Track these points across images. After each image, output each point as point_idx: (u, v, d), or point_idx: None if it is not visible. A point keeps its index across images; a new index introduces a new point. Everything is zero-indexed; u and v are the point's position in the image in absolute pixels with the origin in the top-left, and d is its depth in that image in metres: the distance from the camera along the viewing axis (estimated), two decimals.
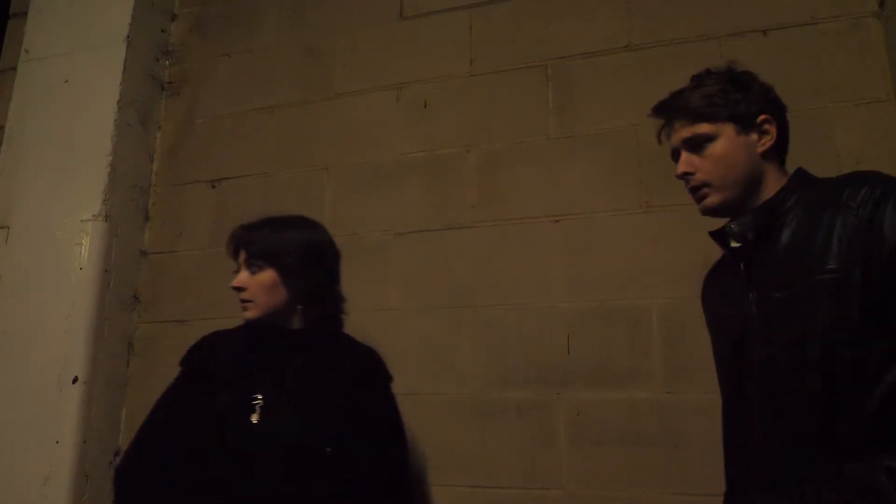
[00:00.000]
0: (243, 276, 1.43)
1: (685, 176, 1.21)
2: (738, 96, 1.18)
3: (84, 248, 2.06)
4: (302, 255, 1.48)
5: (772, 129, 1.18)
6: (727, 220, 1.24)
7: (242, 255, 1.45)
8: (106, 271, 2.08)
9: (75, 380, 1.96)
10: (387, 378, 1.55)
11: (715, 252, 1.33)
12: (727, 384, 1.27)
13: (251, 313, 1.43)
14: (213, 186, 2.23)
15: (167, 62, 2.43)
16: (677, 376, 1.64)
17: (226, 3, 2.42)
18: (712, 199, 1.19)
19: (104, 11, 2.29)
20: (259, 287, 1.42)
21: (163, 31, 2.43)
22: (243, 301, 1.43)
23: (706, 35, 1.81)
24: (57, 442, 1.91)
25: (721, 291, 1.29)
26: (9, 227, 2.16)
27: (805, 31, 1.73)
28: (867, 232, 1.01)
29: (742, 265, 1.19)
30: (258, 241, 1.45)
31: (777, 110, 1.21)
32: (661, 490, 1.59)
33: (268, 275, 1.43)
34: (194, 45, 2.42)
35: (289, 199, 2.11)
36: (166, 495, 1.35)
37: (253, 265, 1.43)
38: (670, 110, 1.23)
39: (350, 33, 2.21)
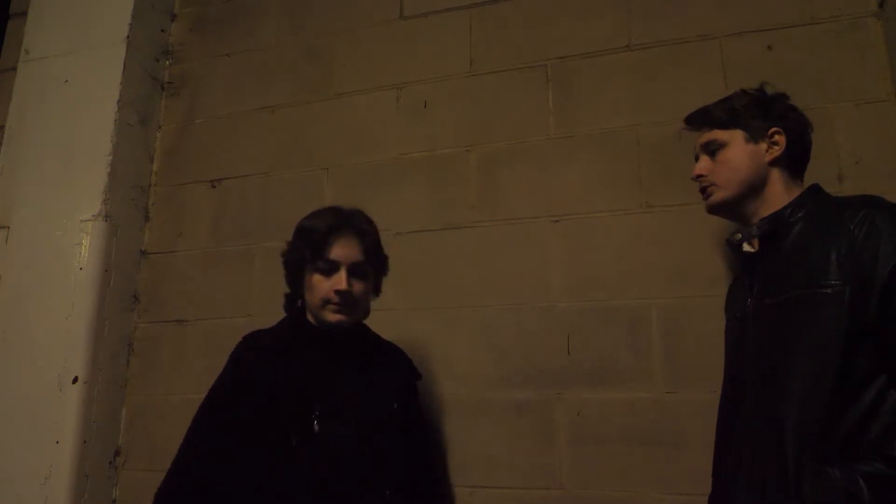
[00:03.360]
0: (351, 281, 1.39)
1: (698, 178, 1.32)
2: (757, 111, 1.28)
3: (84, 248, 2.06)
4: (384, 257, 1.53)
5: (781, 140, 1.26)
6: (735, 222, 1.33)
7: (359, 257, 1.41)
8: (106, 271, 2.08)
9: (75, 380, 1.96)
10: (418, 378, 1.63)
11: (713, 252, 1.34)
12: (725, 386, 1.33)
13: (352, 318, 1.41)
14: (213, 186, 2.23)
15: (167, 62, 2.43)
16: (677, 376, 1.64)
17: (226, 3, 2.41)
18: (714, 197, 1.30)
19: (104, 11, 2.29)
20: (363, 293, 1.43)
21: (163, 31, 2.43)
22: (343, 304, 1.38)
23: (706, 35, 1.81)
24: (57, 442, 1.91)
25: (734, 297, 1.37)
26: (9, 227, 2.16)
27: (805, 31, 1.73)
28: (861, 253, 1.06)
29: (748, 272, 1.26)
30: (375, 247, 1.46)
31: (793, 126, 1.28)
32: (661, 490, 1.59)
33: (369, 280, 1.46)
34: (194, 45, 2.42)
35: (289, 199, 2.11)
36: None
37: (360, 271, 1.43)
38: (696, 119, 1.36)
39: (350, 33, 2.21)
